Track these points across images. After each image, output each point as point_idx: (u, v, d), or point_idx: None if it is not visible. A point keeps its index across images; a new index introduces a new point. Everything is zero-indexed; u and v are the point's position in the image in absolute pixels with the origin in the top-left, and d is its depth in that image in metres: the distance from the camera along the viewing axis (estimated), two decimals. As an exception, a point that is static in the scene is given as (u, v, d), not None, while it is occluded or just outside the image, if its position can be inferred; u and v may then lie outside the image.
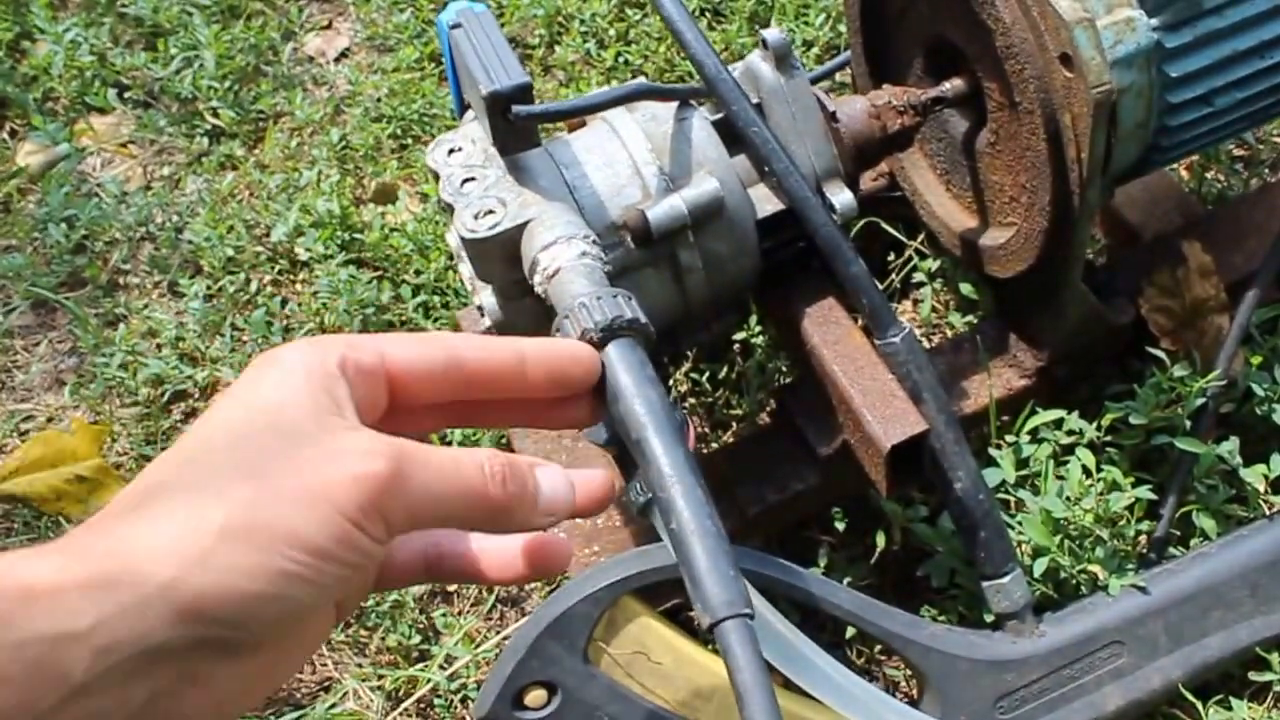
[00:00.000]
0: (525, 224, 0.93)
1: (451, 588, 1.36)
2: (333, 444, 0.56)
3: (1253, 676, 1.16)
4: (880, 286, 1.12)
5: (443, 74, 1.87)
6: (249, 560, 0.52)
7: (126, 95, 1.92)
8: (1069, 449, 1.21)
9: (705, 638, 1.11)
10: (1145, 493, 1.16)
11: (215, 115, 1.86)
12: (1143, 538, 1.22)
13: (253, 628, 0.53)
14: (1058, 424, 1.23)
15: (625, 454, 0.73)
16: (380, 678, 1.30)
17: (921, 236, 1.42)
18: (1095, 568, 1.15)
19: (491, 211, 0.94)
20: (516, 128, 0.93)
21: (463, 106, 1.04)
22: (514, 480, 0.61)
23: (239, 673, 0.55)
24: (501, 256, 0.95)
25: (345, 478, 0.54)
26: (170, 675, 0.52)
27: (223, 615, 0.51)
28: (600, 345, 0.73)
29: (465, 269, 1.03)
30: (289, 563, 0.52)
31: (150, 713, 0.52)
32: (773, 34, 1.05)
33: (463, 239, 0.94)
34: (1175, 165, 1.54)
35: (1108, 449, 1.23)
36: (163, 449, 1.50)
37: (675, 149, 1.04)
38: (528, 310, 1.00)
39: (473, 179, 0.97)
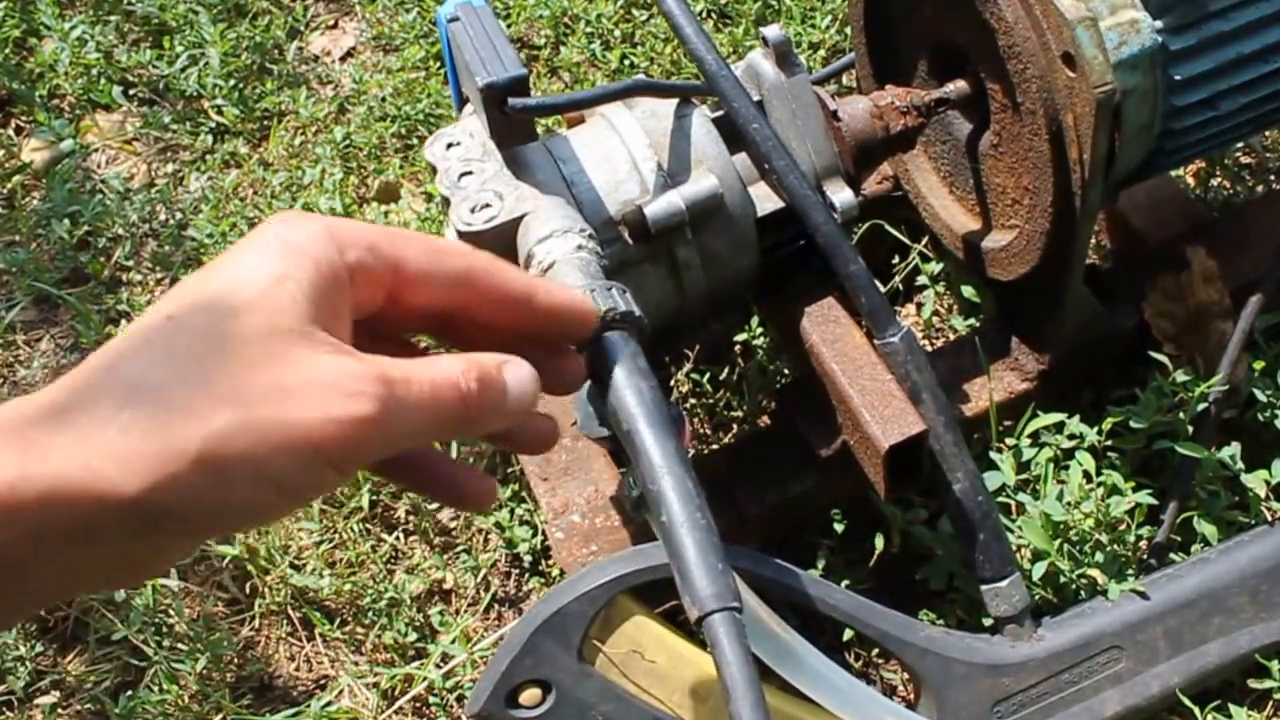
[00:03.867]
0: (521, 218, 0.93)
1: (448, 586, 1.36)
2: (319, 369, 0.54)
3: (1252, 684, 1.15)
4: (881, 287, 1.12)
5: (446, 74, 1.86)
6: (218, 489, 0.52)
7: (132, 92, 1.93)
8: (1070, 453, 1.21)
9: (699, 635, 1.11)
10: (1146, 498, 1.15)
11: (220, 113, 1.86)
12: (1143, 543, 1.21)
13: (201, 531, 0.55)
14: (1058, 427, 1.22)
15: (620, 449, 0.73)
16: (376, 675, 1.29)
17: (925, 239, 1.42)
18: (1095, 572, 1.14)
19: (488, 205, 0.94)
20: (513, 120, 0.92)
21: (462, 101, 1.04)
22: (488, 393, 0.60)
23: (173, 553, 0.56)
24: (498, 250, 0.93)
25: (330, 422, 0.53)
26: (108, 565, 0.53)
27: (177, 525, 0.52)
28: (594, 337, 0.73)
29: (463, 264, 1.03)
30: (255, 494, 0.53)
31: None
32: (773, 31, 1.05)
33: (459, 232, 0.94)
34: (1181, 171, 1.53)
35: (1109, 453, 1.22)
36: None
37: (674, 146, 1.03)
38: (524, 305, 1.00)
39: (470, 173, 0.97)
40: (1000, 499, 1.18)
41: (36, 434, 0.50)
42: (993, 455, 1.21)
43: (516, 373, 0.62)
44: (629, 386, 0.69)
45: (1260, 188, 1.56)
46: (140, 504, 0.50)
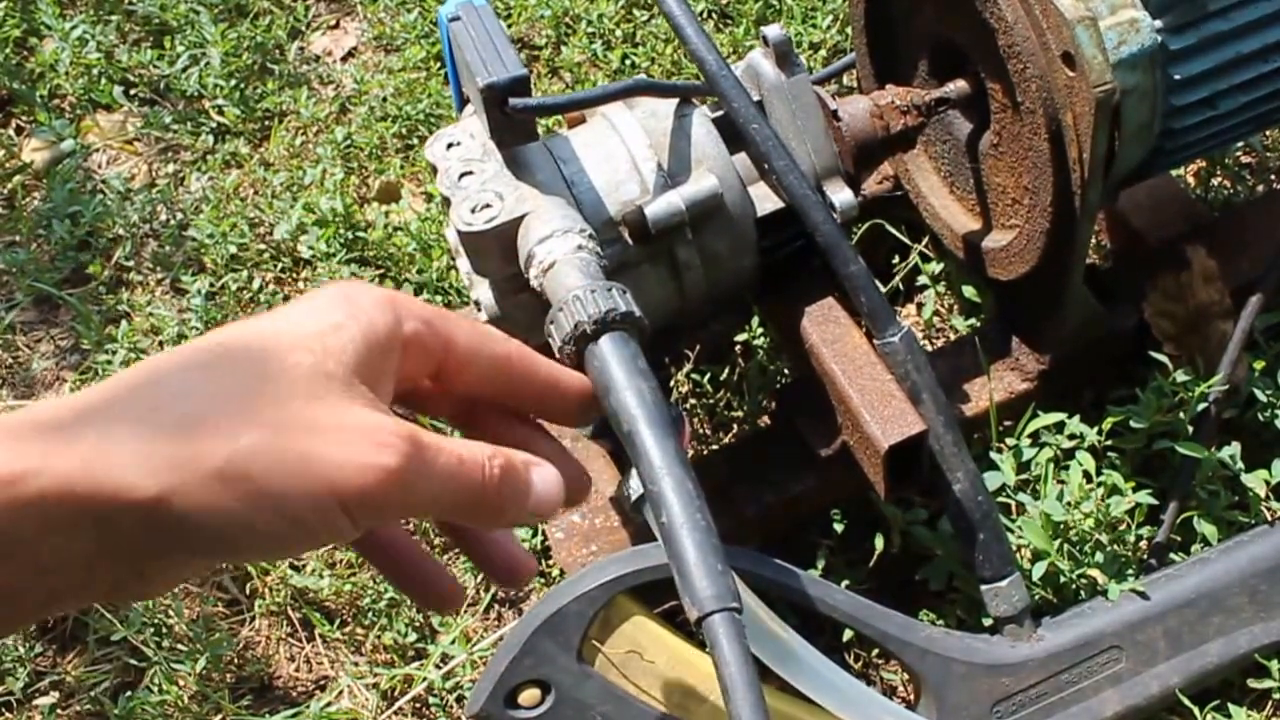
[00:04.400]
0: (522, 218, 0.93)
1: (448, 586, 1.35)
2: (352, 416, 0.55)
3: (1251, 684, 1.15)
4: (881, 286, 1.12)
5: (447, 74, 1.86)
6: (232, 505, 0.52)
7: (132, 92, 1.92)
8: (1070, 453, 1.21)
9: (700, 637, 1.11)
10: (1146, 498, 1.15)
11: (220, 113, 1.86)
12: (1143, 543, 1.21)
13: (210, 551, 0.54)
14: (1058, 428, 1.22)
15: (621, 450, 0.73)
16: (376, 676, 1.29)
17: (925, 239, 1.42)
18: (1095, 572, 1.14)
19: (488, 205, 0.94)
20: (513, 121, 0.92)
21: (462, 101, 1.04)
22: (509, 483, 0.61)
23: (182, 571, 0.57)
24: (498, 250, 0.94)
25: (351, 466, 0.54)
26: (122, 571, 0.53)
27: (189, 540, 0.52)
28: (593, 338, 0.73)
29: (463, 264, 1.03)
30: (265, 520, 0.53)
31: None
32: (773, 31, 1.05)
33: (459, 232, 0.94)
34: (1181, 171, 1.53)
35: (1109, 453, 1.22)
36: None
37: (674, 146, 1.03)
38: (524, 305, 1.00)
39: (470, 173, 0.97)
40: (1000, 499, 1.18)
41: (63, 430, 0.51)
42: (993, 455, 1.21)
43: (544, 476, 0.63)
44: (629, 388, 0.69)
45: (1260, 188, 1.56)
46: (155, 507, 0.51)
